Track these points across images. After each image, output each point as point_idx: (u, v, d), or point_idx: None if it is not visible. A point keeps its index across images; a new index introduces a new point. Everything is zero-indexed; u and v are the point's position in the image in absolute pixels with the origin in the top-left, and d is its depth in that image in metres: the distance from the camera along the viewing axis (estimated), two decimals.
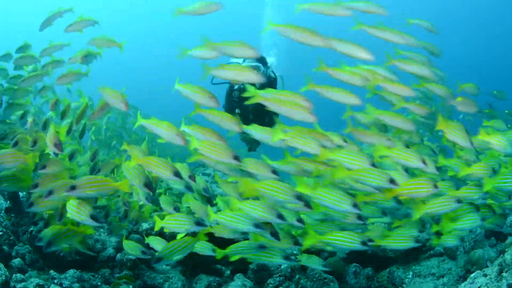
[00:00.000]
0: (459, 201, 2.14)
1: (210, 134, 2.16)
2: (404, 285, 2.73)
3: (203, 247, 2.27)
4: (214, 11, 2.29)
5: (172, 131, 2.09)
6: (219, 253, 2.27)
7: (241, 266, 2.84)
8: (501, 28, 20.04)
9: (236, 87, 3.72)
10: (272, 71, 3.80)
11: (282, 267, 2.71)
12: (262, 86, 3.53)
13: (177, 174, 2.02)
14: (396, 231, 2.34)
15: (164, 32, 20.76)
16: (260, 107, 3.66)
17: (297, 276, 2.64)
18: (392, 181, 1.93)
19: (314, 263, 2.40)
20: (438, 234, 2.43)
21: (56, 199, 2.09)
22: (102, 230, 3.15)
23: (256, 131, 2.27)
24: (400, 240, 2.29)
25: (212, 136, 2.15)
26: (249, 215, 1.94)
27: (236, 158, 2.03)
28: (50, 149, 2.18)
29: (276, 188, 1.91)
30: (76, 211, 2.02)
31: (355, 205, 1.92)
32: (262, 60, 3.67)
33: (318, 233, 2.17)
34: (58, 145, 2.16)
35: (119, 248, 2.99)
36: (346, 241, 2.09)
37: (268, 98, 2.15)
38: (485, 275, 2.02)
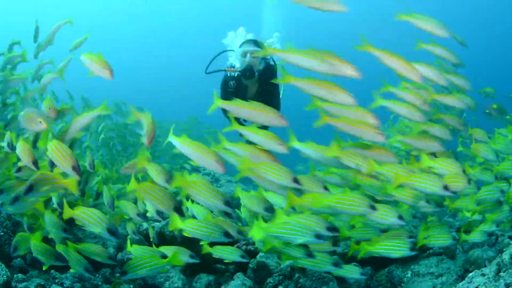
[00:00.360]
0: (502, 191, 2.39)
1: (262, 153, 2.01)
2: (403, 284, 2.74)
3: (231, 253, 2.20)
4: (335, 11, 1.93)
5: (211, 157, 1.86)
6: (267, 244, 2.11)
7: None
8: (501, 28, 20.05)
9: (231, 75, 3.41)
10: (272, 58, 3.49)
11: (281, 266, 2.72)
12: (260, 74, 3.27)
13: (228, 203, 1.88)
14: (432, 230, 2.44)
15: (164, 32, 20.76)
16: (259, 99, 3.49)
17: (296, 275, 2.65)
18: (445, 187, 1.96)
19: (353, 273, 2.30)
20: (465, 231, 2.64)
21: (25, 205, 2.04)
22: None
23: (308, 148, 2.12)
24: (441, 238, 2.40)
25: (265, 156, 2.01)
26: (302, 227, 1.88)
27: (296, 180, 1.91)
28: (67, 172, 1.89)
29: (352, 201, 1.89)
30: (91, 222, 1.90)
31: (400, 217, 1.98)
32: (259, 45, 3.35)
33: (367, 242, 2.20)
34: (77, 168, 1.87)
35: (119, 248, 3.01)
36: (395, 249, 2.12)
37: (337, 119, 2.01)
38: (483, 275, 2.03)
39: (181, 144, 1.90)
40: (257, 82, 3.39)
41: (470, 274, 2.15)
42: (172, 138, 1.92)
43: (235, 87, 3.39)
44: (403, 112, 2.28)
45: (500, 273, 2.00)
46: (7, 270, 2.23)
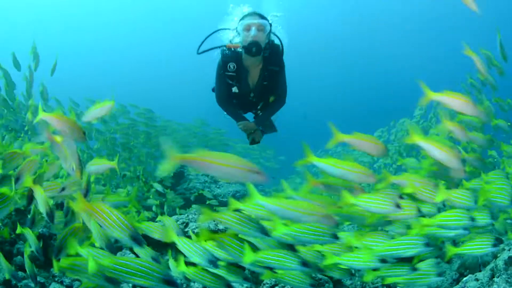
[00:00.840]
0: None
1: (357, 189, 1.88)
2: (398, 287, 2.76)
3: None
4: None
5: (322, 215, 1.61)
6: (370, 275, 1.95)
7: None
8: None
9: (230, 55, 2.77)
10: (276, 35, 2.85)
11: None
12: (265, 53, 2.75)
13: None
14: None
15: (165, 28, 20.73)
16: (263, 84, 2.85)
17: None
18: None
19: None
20: None
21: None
22: None
23: (403, 179, 2.02)
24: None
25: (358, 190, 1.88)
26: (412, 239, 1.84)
27: (398, 205, 1.82)
28: (127, 243, 1.54)
29: (456, 216, 1.89)
30: None
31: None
32: (265, 18, 2.79)
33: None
34: (137, 238, 1.45)
35: (118, 247, 3.03)
36: (480, 247, 2.06)
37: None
38: (477, 280, 2.06)
39: (274, 206, 1.62)
40: (262, 63, 2.82)
41: (464, 279, 2.18)
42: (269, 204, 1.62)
43: (236, 70, 2.78)
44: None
45: (494, 278, 2.03)
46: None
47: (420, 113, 5.79)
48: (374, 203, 1.76)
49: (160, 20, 19.69)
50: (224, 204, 5.49)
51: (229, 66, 2.76)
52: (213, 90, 3.01)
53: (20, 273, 2.38)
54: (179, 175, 5.86)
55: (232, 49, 2.77)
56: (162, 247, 3.24)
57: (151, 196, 4.37)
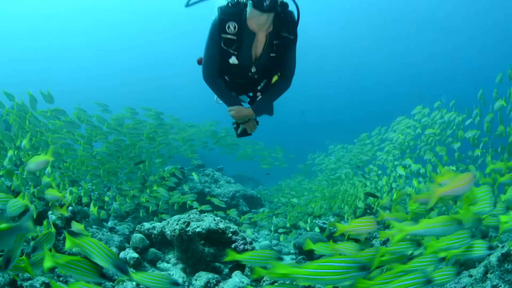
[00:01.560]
0: None
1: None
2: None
3: None
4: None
5: None
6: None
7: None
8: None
9: (230, 8, 2.10)
10: None
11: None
12: (278, 16, 2.13)
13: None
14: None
15: (164, 30, 20.76)
16: (271, 57, 2.20)
17: None
18: None
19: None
20: None
21: None
22: (105, 229, 3.26)
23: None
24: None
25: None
26: None
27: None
28: None
29: None
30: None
31: None
32: None
33: None
34: None
35: (121, 247, 3.10)
36: None
37: None
38: (470, 276, 2.11)
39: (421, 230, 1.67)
40: (272, 28, 2.15)
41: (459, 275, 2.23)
42: None
43: (237, 32, 2.10)
44: None
45: (487, 275, 2.08)
46: None
47: (423, 112, 5.81)
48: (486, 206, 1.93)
49: (168, 19, 19.67)
50: (225, 204, 5.56)
51: (228, 27, 2.09)
52: (199, 62, 2.35)
53: (26, 274, 2.44)
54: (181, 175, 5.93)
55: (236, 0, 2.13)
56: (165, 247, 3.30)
57: (143, 197, 4.42)
